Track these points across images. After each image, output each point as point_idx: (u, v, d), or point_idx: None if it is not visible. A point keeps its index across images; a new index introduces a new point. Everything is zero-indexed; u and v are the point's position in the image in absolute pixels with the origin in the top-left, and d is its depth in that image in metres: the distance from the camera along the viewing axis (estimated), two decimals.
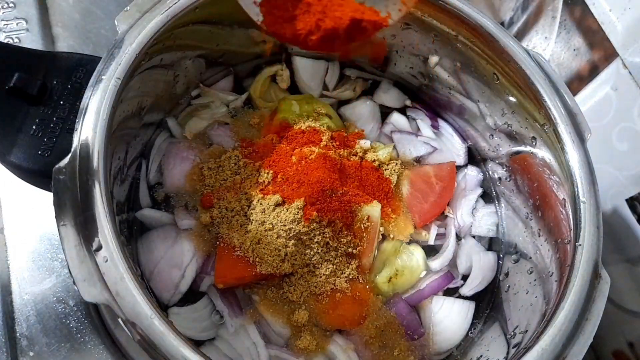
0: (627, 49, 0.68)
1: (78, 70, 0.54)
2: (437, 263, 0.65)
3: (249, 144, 0.66)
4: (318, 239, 0.58)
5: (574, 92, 0.77)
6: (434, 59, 0.68)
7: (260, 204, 0.59)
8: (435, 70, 0.69)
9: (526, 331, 0.55)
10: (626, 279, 0.72)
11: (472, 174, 0.71)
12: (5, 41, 0.74)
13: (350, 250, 0.60)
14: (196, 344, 0.55)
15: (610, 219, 0.72)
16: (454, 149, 0.73)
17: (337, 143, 0.67)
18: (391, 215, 0.65)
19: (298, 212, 0.56)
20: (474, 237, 0.69)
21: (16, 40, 0.76)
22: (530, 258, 0.63)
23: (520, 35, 0.88)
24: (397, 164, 0.68)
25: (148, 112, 0.61)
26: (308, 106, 0.69)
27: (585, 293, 0.49)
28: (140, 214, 0.60)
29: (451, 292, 0.66)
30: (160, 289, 0.57)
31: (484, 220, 0.69)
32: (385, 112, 0.75)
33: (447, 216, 0.69)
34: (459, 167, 0.72)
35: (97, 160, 0.45)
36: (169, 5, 0.53)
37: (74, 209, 0.44)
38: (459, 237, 0.68)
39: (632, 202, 0.70)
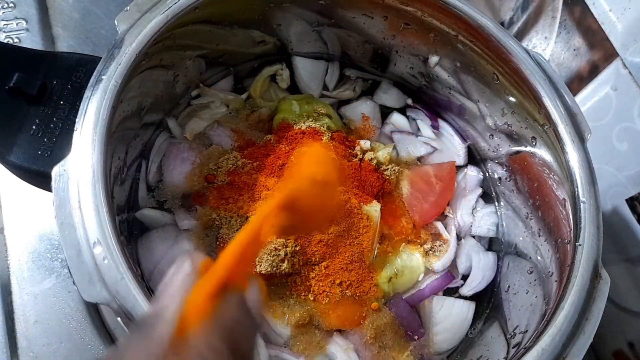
0: (627, 49, 0.68)
1: (78, 70, 0.54)
2: (438, 263, 0.65)
3: (249, 144, 0.66)
4: (318, 238, 0.58)
5: (574, 92, 0.76)
6: (433, 59, 0.67)
7: (260, 203, 0.58)
8: (435, 70, 0.69)
9: (526, 331, 0.55)
10: (626, 278, 0.72)
11: (472, 174, 0.71)
12: (5, 41, 0.74)
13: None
14: None
15: (610, 219, 0.72)
16: (454, 149, 0.73)
17: (337, 143, 0.67)
18: (391, 215, 0.65)
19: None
20: (474, 237, 0.69)
21: (16, 40, 0.76)
22: (530, 258, 0.62)
23: (520, 35, 0.88)
24: (397, 164, 0.68)
25: (148, 112, 0.60)
26: (308, 106, 0.69)
27: (585, 293, 0.49)
28: (140, 214, 0.60)
29: (451, 292, 0.65)
30: None
31: (484, 220, 0.69)
32: (385, 112, 0.75)
33: (447, 216, 0.69)
34: (459, 167, 0.72)
35: (97, 160, 0.45)
36: (169, 5, 0.53)
37: (74, 209, 0.43)
38: (459, 237, 0.68)
39: (632, 202, 0.70)
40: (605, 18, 0.70)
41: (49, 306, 0.62)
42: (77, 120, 0.47)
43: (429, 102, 0.75)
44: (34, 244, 0.65)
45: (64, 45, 0.77)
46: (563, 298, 0.49)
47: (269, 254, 0.56)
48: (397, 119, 0.74)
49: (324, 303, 0.58)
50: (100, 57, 0.50)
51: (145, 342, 0.28)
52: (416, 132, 0.74)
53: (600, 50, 0.72)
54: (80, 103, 0.48)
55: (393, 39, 0.69)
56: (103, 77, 0.48)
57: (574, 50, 0.77)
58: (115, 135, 0.50)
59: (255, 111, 0.70)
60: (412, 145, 0.72)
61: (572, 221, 0.53)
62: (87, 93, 0.48)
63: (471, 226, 0.69)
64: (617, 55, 0.69)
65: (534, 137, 0.61)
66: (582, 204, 0.53)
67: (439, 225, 0.68)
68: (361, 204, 0.61)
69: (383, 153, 0.68)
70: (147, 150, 0.64)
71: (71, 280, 0.60)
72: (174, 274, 0.33)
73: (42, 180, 0.50)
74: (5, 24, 0.76)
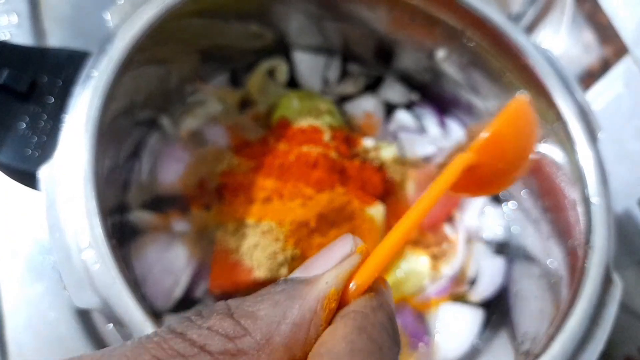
0: (637, 45, 0.66)
1: (69, 66, 0.52)
2: (446, 268, 0.63)
3: (245, 143, 0.64)
4: (318, 241, 0.56)
5: (585, 89, 0.75)
6: (440, 54, 0.66)
7: (257, 205, 0.57)
8: (442, 66, 0.67)
9: (535, 338, 0.54)
10: (637, 282, 0.71)
11: None
12: None
13: None
14: None
15: (621, 220, 0.71)
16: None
17: (338, 142, 0.65)
18: (396, 218, 0.63)
19: (297, 214, 0.55)
20: (482, 240, 0.67)
21: (7, 36, 0.74)
22: (540, 262, 0.61)
23: (528, 30, 0.87)
24: (402, 163, 0.67)
25: (141, 110, 0.59)
26: (309, 102, 0.67)
27: (597, 297, 0.47)
28: (133, 216, 0.59)
29: (458, 298, 0.64)
30: (153, 295, 0.55)
31: (493, 223, 0.67)
32: (389, 109, 0.73)
33: (455, 218, 0.67)
34: None
35: (87, 160, 0.44)
36: None
37: (64, 211, 0.42)
38: (466, 240, 0.67)
39: None
40: (615, 13, 0.69)
41: (40, 311, 0.60)
42: (67, 117, 0.45)
43: (435, 98, 0.73)
44: (24, 247, 0.63)
45: (55, 40, 0.76)
46: (573, 303, 0.47)
47: (267, 258, 0.54)
48: (401, 116, 0.72)
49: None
50: (92, 53, 0.48)
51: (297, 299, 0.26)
52: (422, 130, 0.72)
53: (612, 45, 0.71)
54: (71, 100, 0.46)
55: (397, 33, 0.67)
56: (94, 73, 0.47)
57: (584, 45, 0.76)
58: (107, 134, 0.49)
59: (252, 108, 0.68)
60: (418, 143, 0.70)
61: (582, 223, 0.52)
62: (77, 89, 0.46)
63: (479, 229, 0.67)
64: (629, 51, 0.68)
65: (543, 135, 0.59)
66: (593, 205, 0.51)
67: (447, 227, 0.66)
68: (364, 205, 0.59)
69: (387, 152, 0.66)
70: (139, 150, 0.62)
71: (62, 285, 0.59)
72: (334, 250, 0.30)
73: (32, 180, 0.48)
74: None
